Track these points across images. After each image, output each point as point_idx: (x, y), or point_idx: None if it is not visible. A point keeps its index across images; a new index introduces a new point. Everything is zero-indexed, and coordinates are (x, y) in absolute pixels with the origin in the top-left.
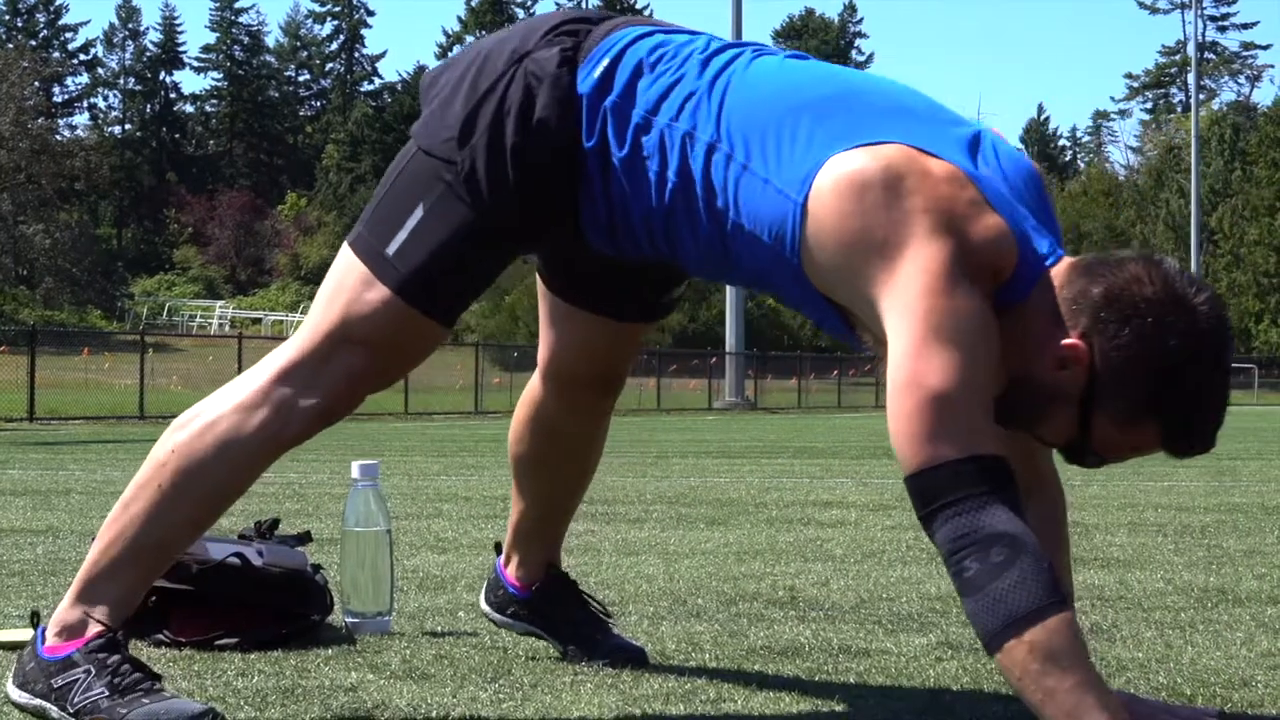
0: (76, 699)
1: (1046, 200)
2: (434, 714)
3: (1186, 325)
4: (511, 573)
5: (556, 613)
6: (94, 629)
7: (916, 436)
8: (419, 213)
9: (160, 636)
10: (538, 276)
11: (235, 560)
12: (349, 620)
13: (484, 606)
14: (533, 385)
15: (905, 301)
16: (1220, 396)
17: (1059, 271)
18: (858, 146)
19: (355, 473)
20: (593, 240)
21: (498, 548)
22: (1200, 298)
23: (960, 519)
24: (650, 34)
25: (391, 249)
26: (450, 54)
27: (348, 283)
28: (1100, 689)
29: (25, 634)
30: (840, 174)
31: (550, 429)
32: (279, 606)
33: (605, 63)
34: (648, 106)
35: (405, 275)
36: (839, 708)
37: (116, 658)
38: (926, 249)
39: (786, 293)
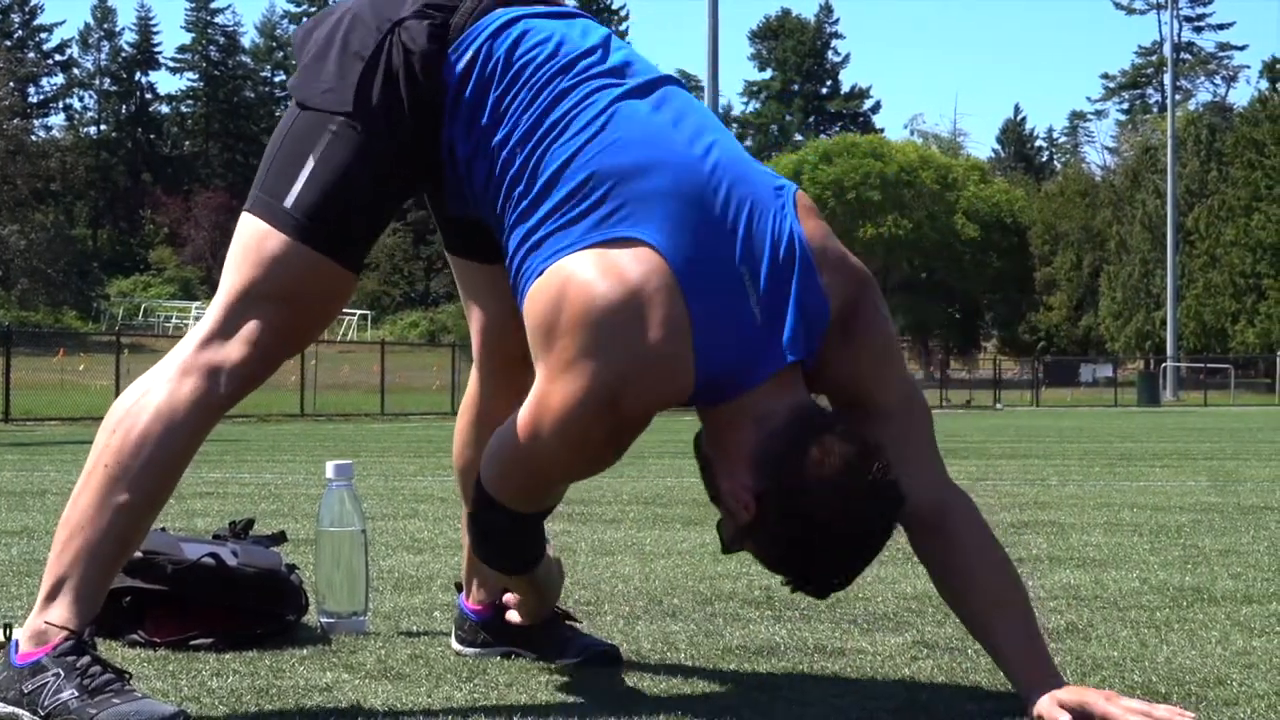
0: (47, 702)
1: (809, 280)
2: (409, 714)
3: (841, 525)
4: (473, 600)
5: None
6: (60, 633)
7: (489, 477)
8: (310, 163)
9: (135, 637)
10: (449, 257)
11: (210, 560)
12: (324, 620)
13: (456, 646)
14: (471, 390)
15: (530, 414)
16: (835, 580)
17: (782, 382)
18: (608, 243)
19: (330, 473)
20: (462, 209)
21: (458, 586)
22: (872, 509)
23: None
24: (514, 22)
25: (289, 200)
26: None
27: (251, 243)
28: None
29: None
30: (574, 275)
31: (494, 427)
32: (254, 606)
33: (468, 56)
34: (492, 118)
35: (306, 222)
36: (814, 707)
37: (85, 659)
38: (579, 384)
39: None
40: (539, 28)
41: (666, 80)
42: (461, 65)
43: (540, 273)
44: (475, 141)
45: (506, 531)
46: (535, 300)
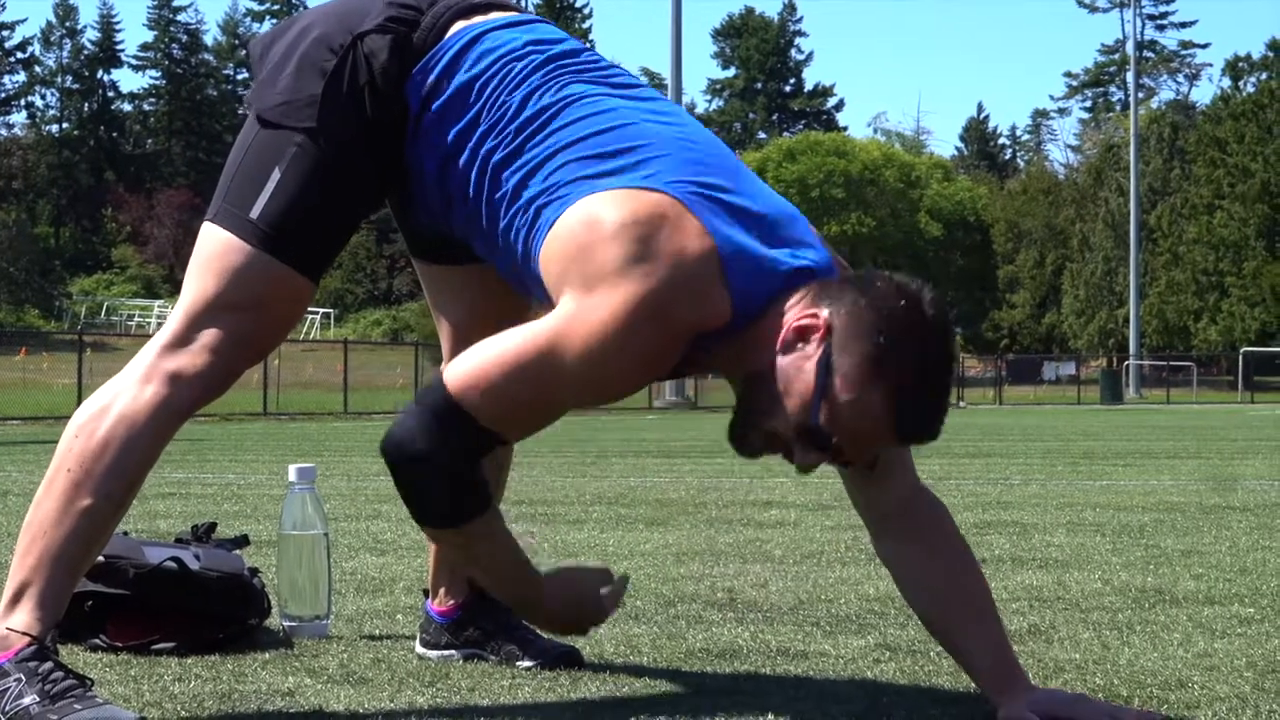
0: (8, 708)
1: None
2: (371, 718)
3: (913, 301)
4: (438, 604)
5: (487, 622)
6: (22, 639)
7: (468, 382)
8: (276, 175)
9: (97, 641)
10: (414, 262)
11: (172, 565)
12: (286, 624)
13: (420, 650)
14: None
15: (556, 323)
16: (942, 376)
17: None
18: (626, 189)
19: (292, 476)
20: (434, 219)
21: (425, 593)
22: (927, 295)
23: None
24: (476, 40)
25: (255, 212)
26: None
27: (216, 252)
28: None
29: None
30: (597, 204)
31: None
32: (216, 611)
33: (434, 78)
34: (460, 129)
35: (271, 233)
36: (776, 710)
37: (48, 665)
38: (627, 290)
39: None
40: (504, 39)
41: (638, 82)
42: (427, 86)
43: (559, 215)
44: (449, 149)
45: (455, 462)
46: (562, 233)
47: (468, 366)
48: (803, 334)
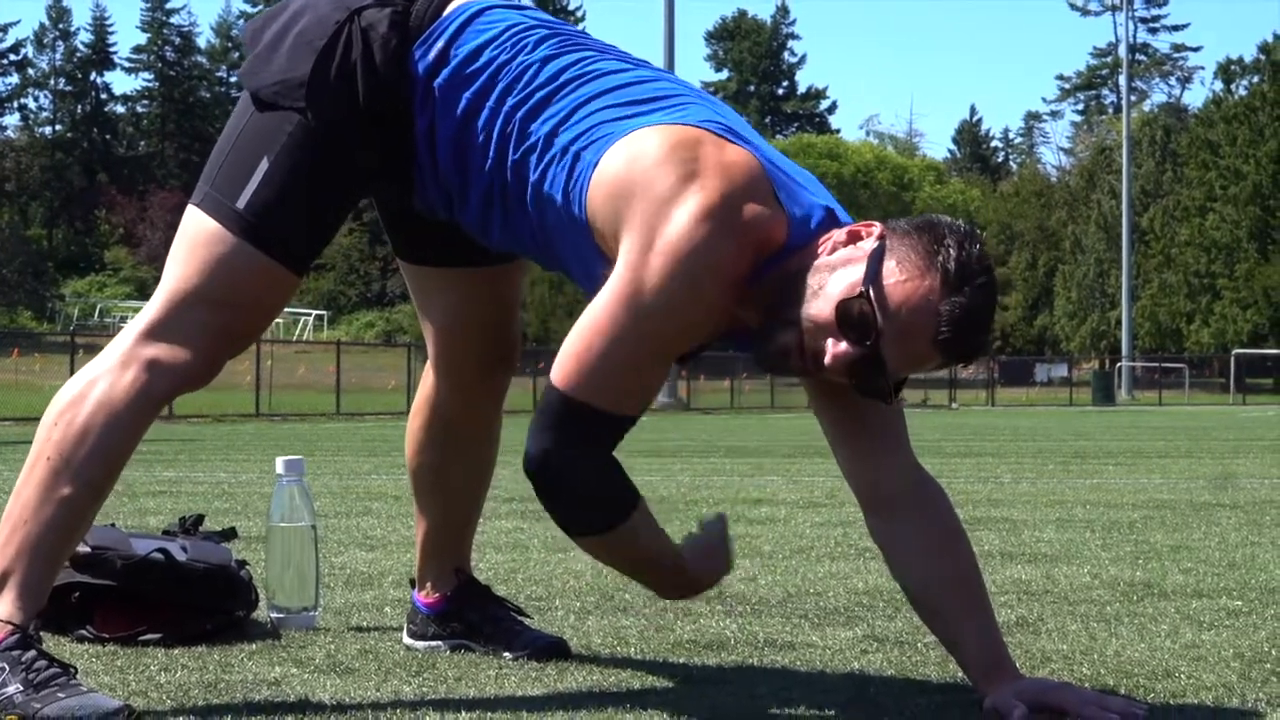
0: None
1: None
2: (357, 708)
3: (966, 230)
4: (425, 596)
5: (474, 613)
6: (4, 628)
7: (570, 373)
8: (265, 165)
9: (84, 632)
10: (399, 263)
11: (159, 556)
12: (274, 615)
13: (407, 640)
14: (425, 391)
15: (630, 267)
16: (989, 296)
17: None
18: (662, 124)
19: (280, 468)
20: (433, 205)
21: (412, 583)
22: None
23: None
24: (480, 14)
25: (241, 202)
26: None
27: (200, 241)
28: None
29: None
30: (638, 138)
31: (449, 429)
32: (203, 602)
33: (439, 47)
34: (477, 89)
35: (258, 225)
36: (764, 700)
37: (31, 654)
38: (681, 219)
39: (573, 256)
40: (507, 15)
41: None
42: (431, 57)
43: (600, 156)
44: (466, 109)
45: (591, 459)
46: (608, 174)
47: (565, 356)
48: (855, 236)
